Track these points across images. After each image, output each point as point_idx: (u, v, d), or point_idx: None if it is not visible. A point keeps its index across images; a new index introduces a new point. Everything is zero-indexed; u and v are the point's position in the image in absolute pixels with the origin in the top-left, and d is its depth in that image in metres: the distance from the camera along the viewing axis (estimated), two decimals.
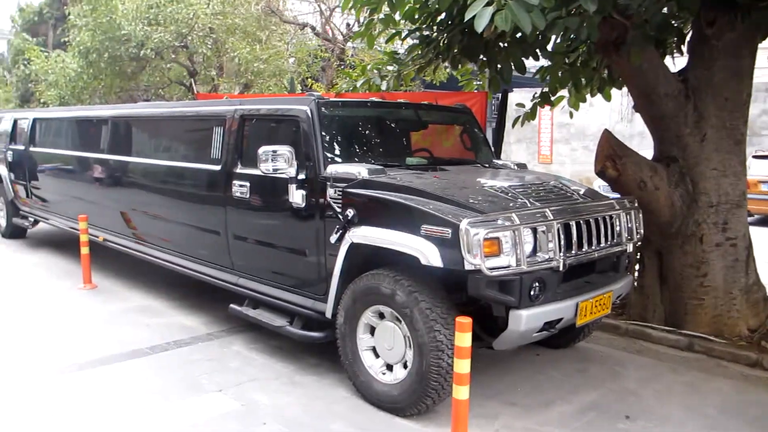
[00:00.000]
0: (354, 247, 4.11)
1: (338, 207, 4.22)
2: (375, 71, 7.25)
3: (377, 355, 4.12)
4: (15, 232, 9.85)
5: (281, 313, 4.76)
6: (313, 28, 11.09)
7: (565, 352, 5.19)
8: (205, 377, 4.46)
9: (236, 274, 5.18)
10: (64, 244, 9.31)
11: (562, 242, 3.88)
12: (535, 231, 3.78)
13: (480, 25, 3.64)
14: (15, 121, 9.61)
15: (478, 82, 8.07)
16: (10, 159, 9.58)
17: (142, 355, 4.90)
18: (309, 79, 9.67)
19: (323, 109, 4.54)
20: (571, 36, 5.45)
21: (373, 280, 3.98)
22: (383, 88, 7.02)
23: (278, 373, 4.60)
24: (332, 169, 4.31)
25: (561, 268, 3.83)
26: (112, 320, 5.80)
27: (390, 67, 7.28)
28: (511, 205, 3.92)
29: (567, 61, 6.21)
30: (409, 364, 3.88)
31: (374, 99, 5.25)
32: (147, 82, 11.65)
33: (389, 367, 4.06)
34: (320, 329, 4.49)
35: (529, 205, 3.97)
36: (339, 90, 7.98)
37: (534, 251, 3.77)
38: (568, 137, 19.65)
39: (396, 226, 3.87)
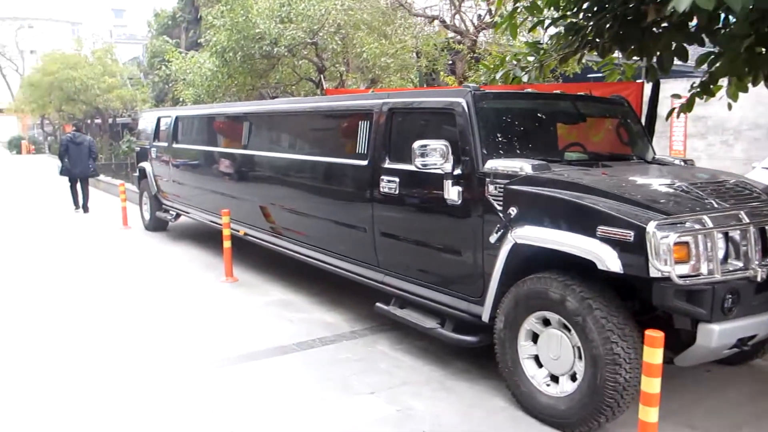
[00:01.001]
0: (516, 248, 3.84)
1: (499, 205, 3.96)
2: (514, 62, 6.94)
3: (540, 365, 3.83)
4: (158, 225, 10.32)
5: (431, 314, 4.58)
6: (442, 21, 10.88)
7: (739, 369, 4.67)
8: (355, 378, 4.35)
9: (382, 272, 5.05)
10: (202, 236, 9.65)
11: (759, 248, 3.44)
12: (727, 235, 3.37)
13: (681, 5, 3.27)
14: (158, 119, 10.05)
15: (623, 72, 7.56)
16: (153, 155, 10.04)
17: (290, 352, 4.87)
18: (441, 73, 9.46)
19: (480, 101, 4.29)
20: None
21: (539, 283, 3.70)
22: (524, 80, 6.70)
23: (428, 377, 4.41)
24: (491, 165, 4.06)
25: (759, 278, 3.38)
26: (256, 314, 5.85)
27: (531, 58, 6.95)
28: (697, 206, 3.52)
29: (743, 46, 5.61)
30: (578, 377, 3.57)
31: (531, 90, 4.95)
32: (277, 79, 11.88)
33: (554, 379, 3.77)
34: (474, 333, 4.26)
35: (716, 206, 3.55)
36: (477, 83, 7.71)
37: (725, 258, 3.37)
38: (704, 131, 18.23)
39: (566, 226, 3.57)
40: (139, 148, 11.01)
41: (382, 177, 4.84)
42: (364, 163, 5.08)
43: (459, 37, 10.73)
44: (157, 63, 23.84)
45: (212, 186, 8.09)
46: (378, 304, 4.98)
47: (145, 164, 10.38)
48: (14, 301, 6.37)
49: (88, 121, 33.95)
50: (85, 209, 12.93)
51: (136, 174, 10.99)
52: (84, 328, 5.49)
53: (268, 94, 13.12)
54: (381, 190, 4.85)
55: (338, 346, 4.98)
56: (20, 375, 4.45)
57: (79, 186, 12.99)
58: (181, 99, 13.88)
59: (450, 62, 11.09)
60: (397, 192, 4.72)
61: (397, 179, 4.72)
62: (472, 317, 4.23)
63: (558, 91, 5.32)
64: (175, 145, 9.20)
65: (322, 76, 10.90)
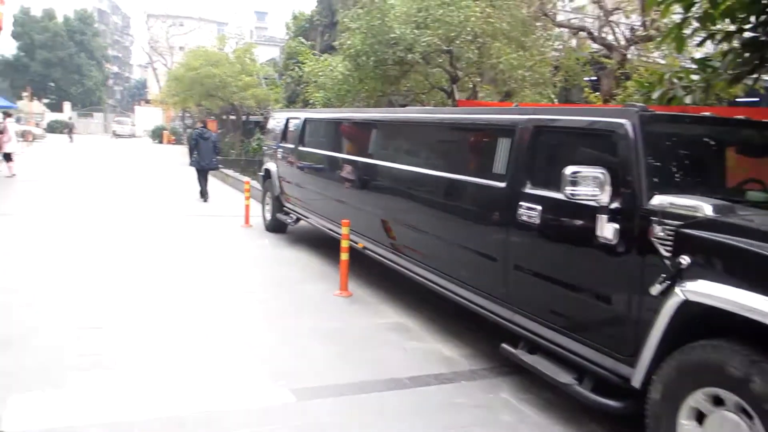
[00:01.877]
0: (685, 305, 3.17)
1: (666, 250, 3.30)
2: (675, 80, 6.14)
3: None
4: (277, 227, 10.25)
5: (567, 366, 3.96)
6: (589, 33, 10.10)
7: None
8: (475, 430, 3.82)
9: (511, 309, 4.48)
10: (319, 243, 9.44)
11: None
12: None
13: None
14: (287, 120, 9.98)
15: None
16: (279, 156, 9.98)
17: (402, 387, 4.41)
18: (586, 89, 8.71)
19: (649, 124, 3.65)
20: None
21: (714, 353, 3.02)
22: (687, 101, 5.89)
23: None
24: (659, 201, 3.41)
25: None
26: (368, 337, 5.45)
27: (695, 76, 6.13)
28: None
29: None
30: None
31: (709, 114, 4.22)
32: (407, 87, 11.54)
33: None
34: (618, 397, 3.61)
35: None
36: (625, 102, 6.94)
37: None
38: None
39: (760, 287, 2.86)
40: (266, 148, 11.02)
41: (522, 203, 4.28)
42: (501, 185, 4.54)
43: (606, 51, 9.91)
44: (291, 64, 24.40)
45: (334, 193, 7.82)
46: (504, 345, 4.42)
47: (271, 164, 10.35)
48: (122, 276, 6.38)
49: (223, 117, 35.49)
50: (205, 197, 14.09)
51: (261, 173, 11.00)
52: (182, 319, 5.33)
53: (396, 102, 12.82)
54: (519, 217, 4.29)
55: (456, 388, 4.47)
56: None
57: (203, 177, 14.21)
58: (310, 101, 13.91)
59: (592, 78, 10.27)
60: (538, 221, 4.14)
61: (539, 207, 4.14)
62: (618, 378, 3.58)
63: (743, 117, 4.50)
64: (301, 148, 9.06)
65: (454, 86, 10.42)
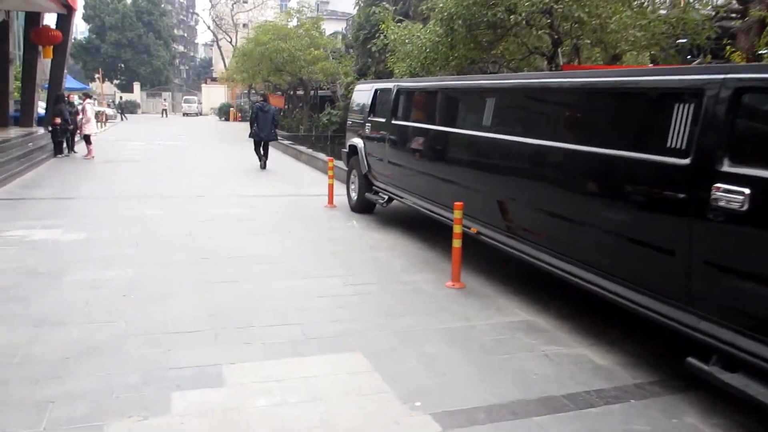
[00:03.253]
0: None
1: None
2: None
3: None
4: (365, 207, 9.59)
5: None
6: None
7: None
8: None
9: (696, 314, 3.63)
10: (413, 224, 8.74)
11: None
12: None
13: None
14: (375, 92, 9.25)
15: None
16: (367, 132, 9.27)
17: (561, 408, 3.64)
18: (728, 48, 7.57)
19: None
20: None
21: None
22: None
23: None
24: None
25: None
26: (499, 340, 4.70)
27: None
28: None
29: None
30: None
31: None
32: (505, 53, 10.57)
33: None
34: None
35: None
36: None
37: None
38: None
39: None
40: (350, 122, 10.32)
41: (717, 184, 3.41)
42: (683, 162, 3.66)
43: (736, 4, 8.70)
44: (362, 35, 23.59)
45: (437, 171, 7.05)
46: (691, 359, 3.58)
47: (357, 141, 9.65)
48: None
49: (290, 93, 35.08)
50: (264, 166, 15.31)
51: (345, 149, 10.32)
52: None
53: (487, 70, 11.87)
54: (713, 202, 3.42)
55: (626, 409, 3.66)
56: None
57: (262, 148, 15.40)
58: (389, 71, 13.15)
59: (718, 37, 9.04)
60: (744, 208, 3.27)
61: (746, 191, 3.25)
62: None
63: None
64: (394, 122, 8.31)
65: (559, 49, 9.41)
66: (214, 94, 58.55)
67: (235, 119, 45.71)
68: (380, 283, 6.06)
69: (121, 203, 10.03)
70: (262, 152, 15.36)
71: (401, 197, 8.18)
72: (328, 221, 9.09)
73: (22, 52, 21.69)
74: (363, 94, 9.94)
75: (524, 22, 9.14)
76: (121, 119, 43.77)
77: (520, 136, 5.49)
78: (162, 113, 53.79)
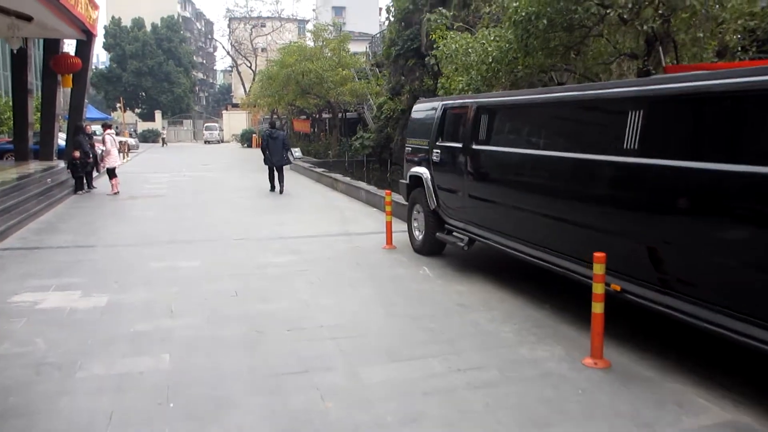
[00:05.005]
0: None
1: None
2: None
3: None
4: (433, 248, 8.13)
5: None
6: None
7: None
8: None
9: None
10: (500, 269, 7.26)
11: None
12: None
13: None
14: (444, 112, 7.82)
15: None
16: (436, 159, 7.82)
17: None
18: None
19: None
20: None
21: None
22: None
23: None
24: None
25: None
26: None
27: None
28: None
29: None
30: None
31: None
32: (584, 58, 9.06)
33: None
34: None
35: None
36: None
37: None
38: None
39: None
40: (409, 149, 8.89)
41: None
42: None
43: None
44: (394, 52, 22.27)
45: (552, 210, 5.53)
46: None
47: (421, 170, 8.20)
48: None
49: (315, 116, 33.89)
50: (281, 191, 15.59)
51: (404, 180, 8.87)
52: None
53: (555, 79, 10.41)
54: None
55: None
56: None
57: (276, 173, 15.82)
58: (433, 90, 11.77)
59: None
60: None
61: None
62: None
63: None
64: (476, 147, 6.84)
65: (661, 48, 7.89)
66: (235, 121, 57.72)
67: (257, 145, 44.64)
68: (497, 366, 4.55)
69: (149, 252, 8.66)
70: (276, 178, 15.79)
71: (489, 240, 6.69)
72: (394, 269, 7.61)
73: (40, 82, 20.71)
74: (425, 114, 8.51)
75: (618, 18, 7.65)
76: (162, 145, 44.53)
77: (689, 160, 4.01)
78: (161, 142, 51.33)
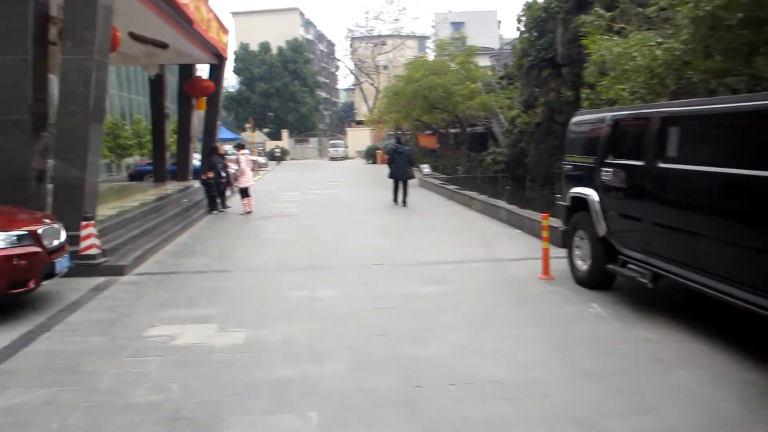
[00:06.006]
0: None
1: None
2: None
3: None
4: (600, 281, 7.04)
5: None
6: None
7: None
8: None
9: None
10: (696, 310, 6.07)
11: None
12: None
13: None
14: (615, 124, 6.75)
15: None
16: (606, 179, 6.75)
17: None
18: None
19: None
20: None
21: None
22: None
23: None
24: None
25: None
26: None
27: None
28: None
29: None
30: None
31: None
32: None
33: None
34: None
35: None
36: None
37: None
38: None
39: None
40: (570, 166, 7.86)
41: None
42: None
43: None
44: (527, 63, 21.15)
45: None
46: None
47: (586, 191, 7.14)
48: None
49: (441, 131, 33.18)
50: (404, 203, 16.16)
51: (564, 202, 7.85)
52: None
53: (730, 86, 8.96)
54: None
55: None
56: None
57: (400, 186, 16.32)
58: (585, 99, 10.61)
59: None
60: None
61: None
62: None
63: None
64: (664, 165, 5.73)
65: None
66: (359, 137, 58.27)
67: (382, 161, 44.57)
68: None
69: (286, 279, 8.16)
70: (401, 191, 16.26)
71: (684, 278, 5.51)
72: (559, 305, 6.59)
73: (176, 106, 21.43)
74: (588, 127, 7.46)
75: None
76: (278, 163, 45.26)
77: None
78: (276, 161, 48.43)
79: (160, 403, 4.30)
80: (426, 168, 24.89)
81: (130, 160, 32.59)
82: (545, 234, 7.87)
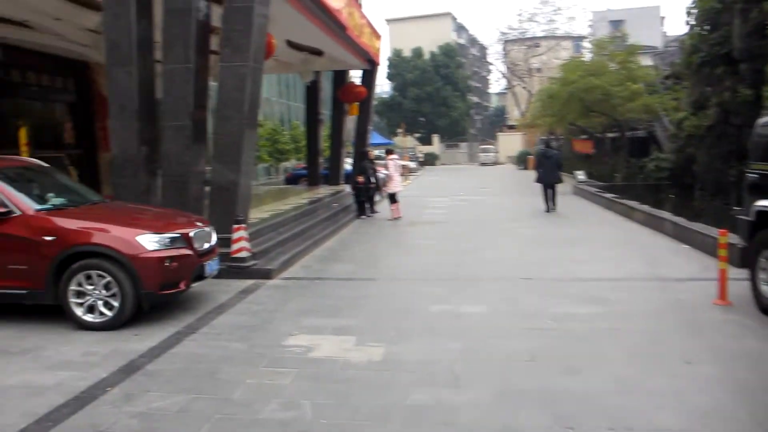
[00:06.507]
0: None
1: None
2: None
3: None
4: None
5: None
6: None
7: None
8: None
9: None
10: None
11: None
12: None
13: None
14: None
15: None
16: None
17: None
18: None
19: None
20: None
21: None
22: None
23: None
24: None
25: None
26: None
27: None
28: None
29: None
30: None
31: None
32: None
33: None
34: None
35: None
36: None
37: None
38: None
39: None
40: (756, 176, 6.81)
41: None
42: None
43: None
44: (698, 60, 19.31)
45: None
46: None
47: None
48: None
49: (597, 135, 31.41)
50: (553, 208, 15.85)
51: (746, 217, 6.82)
52: None
53: None
54: None
55: None
56: None
57: (549, 191, 15.93)
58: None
59: None
60: None
61: None
62: None
63: None
64: None
65: None
66: (510, 142, 57.02)
67: (533, 167, 43.17)
68: None
69: (429, 290, 7.81)
70: (549, 197, 15.86)
71: None
72: (740, 337, 5.65)
73: (330, 111, 21.95)
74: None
75: None
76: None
77: None
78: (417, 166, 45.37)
79: (289, 421, 4.09)
80: (581, 174, 23.56)
81: (287, 164, 34.03)
82: (722, 253, 6.86)
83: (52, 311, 6.41)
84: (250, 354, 5.50)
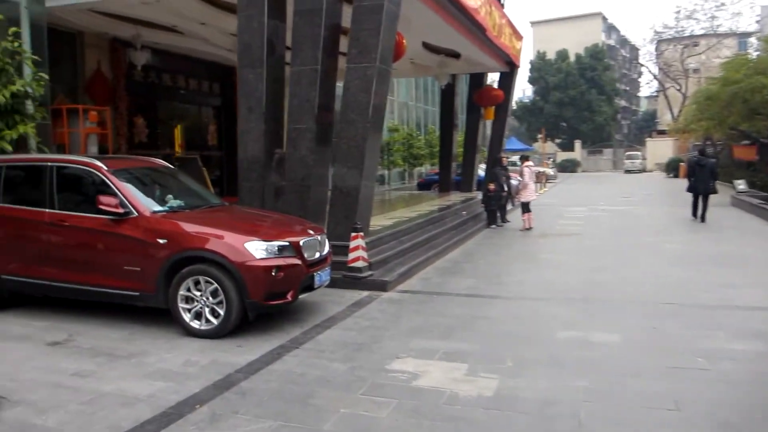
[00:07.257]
0: None
1: None
2: None
3: None
4: None
5: None
6: None
7: None
8: None
9: None
10: None
11: None
12: None
13: None
14: None
15: None
16: None
17: None
18: None
19: None
20: None
21: None
22: None
23: None
24: None
25: None
26: None
27: None
28: None
29: None
30: None
31: None
32: None
33: None
34: None
35: None
36: None
37: None
38: None
39: None
40: None
41: None
42: None
43: None
44: None
45: None
46: None
47: None
48: None
49: (763, 140, 28.26)
50: (703, 219, 15.04)
51: None
52: None
53: None
54: None
55: None
56: None
57: (700, 200, 15.13)
58: None
59: None
60: None
61: None
62: None
63: None
64: None
65: None
66: (660, 148, 53.20)
67: (684, 176, 39.84)
68: None
69: (556, 312, 7.03)
70: (700, 206, 15.15)
71: None
72: None
73: (463, 116, 21.33)
74: None
75: None
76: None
77: None
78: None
79: None
80: (741, 184, 21.21)
81: (421, 170, 33.75)
82: None
83: (163, 313, 6.37)
84: (350, 377, 5.06)
